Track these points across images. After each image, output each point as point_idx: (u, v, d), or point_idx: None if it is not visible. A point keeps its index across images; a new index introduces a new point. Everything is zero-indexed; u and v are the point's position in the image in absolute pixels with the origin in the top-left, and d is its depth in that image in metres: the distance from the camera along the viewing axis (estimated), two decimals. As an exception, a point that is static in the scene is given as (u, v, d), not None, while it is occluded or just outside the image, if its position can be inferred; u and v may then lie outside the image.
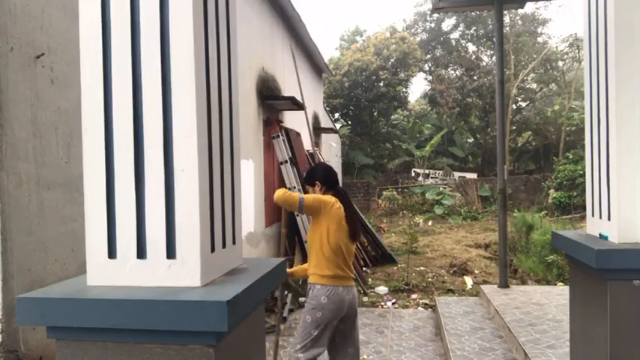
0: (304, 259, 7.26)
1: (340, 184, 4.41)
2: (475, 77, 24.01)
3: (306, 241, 7.21)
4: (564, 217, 14.18)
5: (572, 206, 15.03)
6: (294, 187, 7.43)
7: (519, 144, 24.19)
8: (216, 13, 1.60)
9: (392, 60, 23.81)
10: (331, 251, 3.10)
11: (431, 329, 5.52)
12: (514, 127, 23.59)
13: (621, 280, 2.21)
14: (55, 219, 3.09)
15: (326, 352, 3.21)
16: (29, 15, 2.91)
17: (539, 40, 24.50)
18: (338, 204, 3.19)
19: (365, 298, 6.86)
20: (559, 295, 5.67)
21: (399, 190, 19.42)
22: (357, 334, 3.32)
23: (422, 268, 8.58)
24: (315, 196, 3.21)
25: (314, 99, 12.46)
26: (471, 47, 25.89)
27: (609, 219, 2.38)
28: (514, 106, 23.00)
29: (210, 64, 1.53)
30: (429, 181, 20.21)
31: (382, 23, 63.29)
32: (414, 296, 6.95)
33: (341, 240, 3.13)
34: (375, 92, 23.49)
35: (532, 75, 24.02)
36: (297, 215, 7.35)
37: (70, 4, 3.23)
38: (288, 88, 8.81)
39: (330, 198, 3.20)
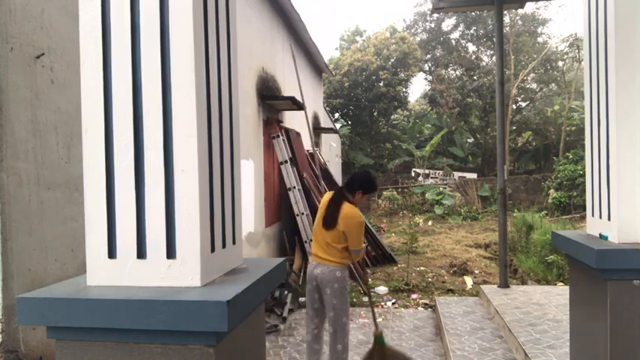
0: (304, 259, 7.27)
1: (340, 183, 4.96)
2: (475, 77, 24.00)
3: (306, 241, 7.22)
4: (564, 217, 14.18)
5: (572, 206, 15.02)
6: (294, 187, 7.43)
7: (519, 144, 24.19)
8: (216, 13, 1.60)
9: (392, 60, 23.81)
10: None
11: (431, 329, 5.52)
12: (514, 127, 23.58)
13: (621, 280, 2.21)
14: (55, 219, 3.08)
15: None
16: (29, 15, 2.91)
17: (539, 40, 24.48)
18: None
19: (365, 298, 6.85)
20: (559, 295, 5.67)
21: (399, 190, 19.42)
22: (331, 303, 3.72)
23: (422, 268, 8.58)
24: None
25: (314, 99, 12.46)
26: (471, 47, 25.88)
27: (609, 219, 2.38)
28: (514, 106, 22.99)
29: (210, 64, 1.53)
30: (429, 181, 20.20)
31: (382, 23, 63.34)
32: (414, 296, 6.95)
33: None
34: (375, 92, 23.48)
35: (532, 75, 24.00)
36: (298, 215, 7.36)
37: (70, 4, 3.23)
38: (288, 88, 8.81)
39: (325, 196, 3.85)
